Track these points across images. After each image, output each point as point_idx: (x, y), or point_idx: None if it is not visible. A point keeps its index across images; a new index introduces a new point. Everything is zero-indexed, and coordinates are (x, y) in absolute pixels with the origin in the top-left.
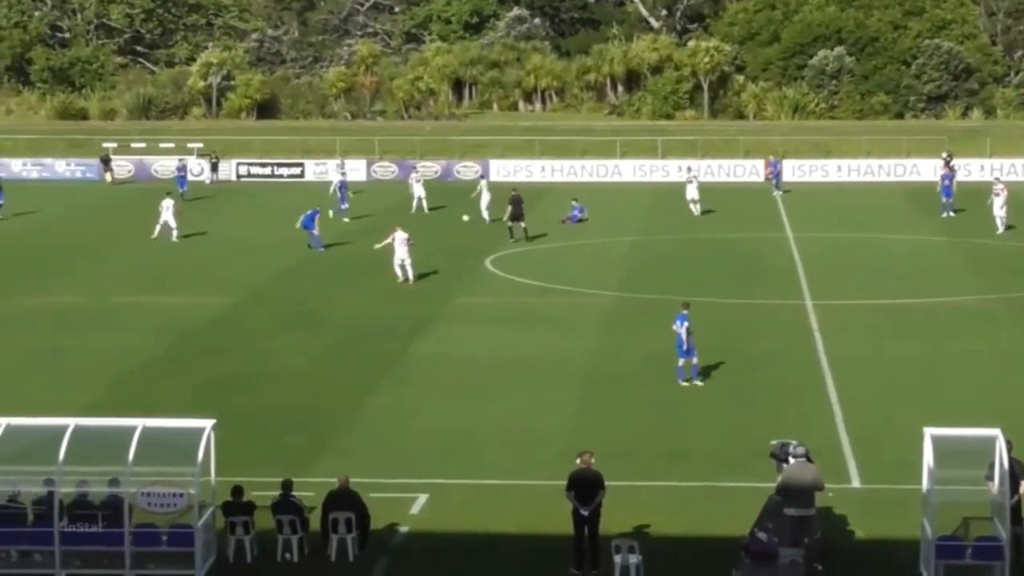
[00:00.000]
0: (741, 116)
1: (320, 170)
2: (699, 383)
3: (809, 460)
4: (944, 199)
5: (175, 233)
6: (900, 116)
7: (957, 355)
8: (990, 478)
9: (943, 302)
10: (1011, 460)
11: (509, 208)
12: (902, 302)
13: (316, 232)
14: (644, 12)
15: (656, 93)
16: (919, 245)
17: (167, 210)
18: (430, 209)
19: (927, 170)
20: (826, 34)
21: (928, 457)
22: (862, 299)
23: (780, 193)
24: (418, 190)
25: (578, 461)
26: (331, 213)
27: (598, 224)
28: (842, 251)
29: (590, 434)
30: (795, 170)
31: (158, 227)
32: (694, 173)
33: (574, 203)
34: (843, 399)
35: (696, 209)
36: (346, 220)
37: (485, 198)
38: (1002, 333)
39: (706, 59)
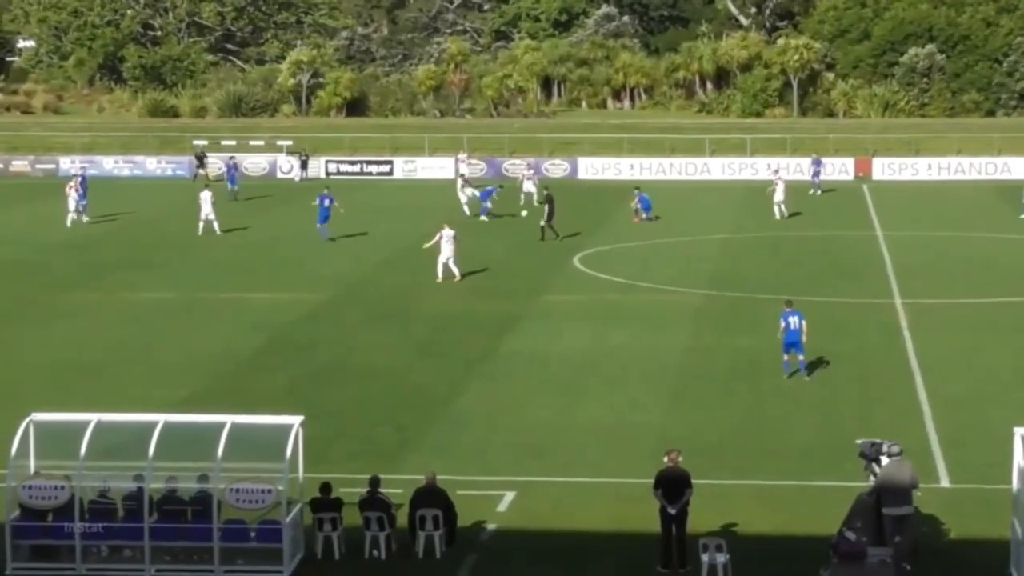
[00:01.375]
0: (831, 114)
1: (409, 168)
2: (806, 377)
3: (904, 458)
4: None
5: (216, 226)
6: (991, 114)
7: None
8: None
9: None
10: None
11: (546, 207)
12: (993, 301)
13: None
14: (733, 9)
15: (745, 91)
16: (1010, 243)
17: (206, 203)
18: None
19: (1018, 168)
20: (917, 31)
21: (1019, 457)
22: (952, 298)
23: (819, 193)
24: (528, 186)
25: (666, 459)
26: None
27: (687, 222)
28: (932, 250)
29: (679, 432)
30: (884, 168)
31: (201, 223)
32: (781, 175)
33: (637, 192)
34: (932, 398)
35: (782, 211)
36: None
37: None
38: None
39: (795, 57)
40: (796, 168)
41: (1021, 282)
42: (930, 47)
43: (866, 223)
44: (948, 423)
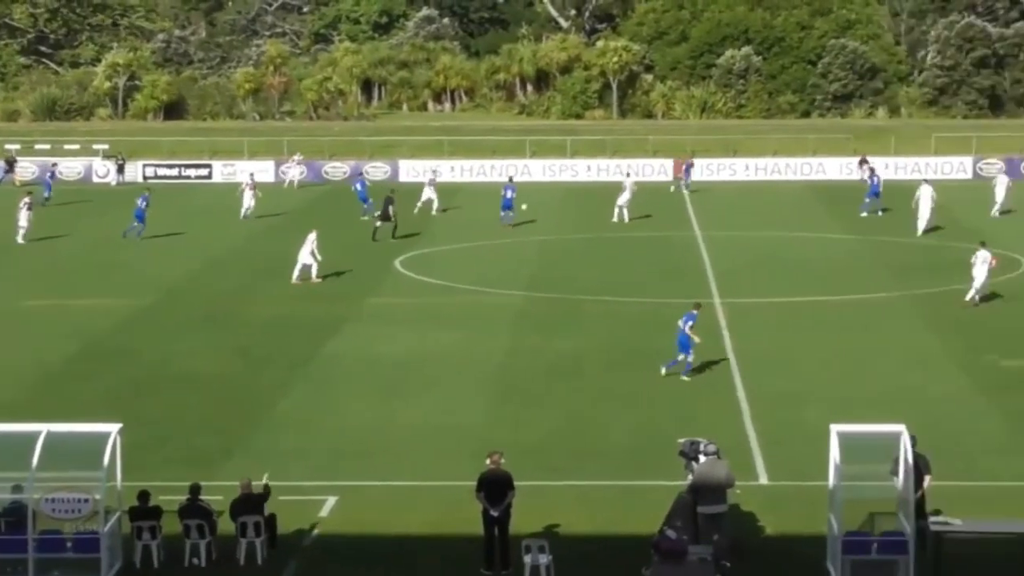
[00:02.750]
0: (650, 115)
1: (228, 171)
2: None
3: (719, 457)
4: (869, 198)
5: (22, 233)
6: (807, 115)
7: (864, 352)
8: (895, 473)
9: (851, 299)
10: (915, 455)
11: (384, 207)
12: (810, 299)
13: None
14: (553, 12)
15: (565, 93)
16: (827, 243)
17: (23, 209)
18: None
19: (833, 168)
20: (734, 34)
21: (834, 454)
22: (770, 297)
23: (687, 192)
24: (429, 192)
25: (488, 461)
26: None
27: (501, 224)
28: (750, 249)
29: (501, 434)
30: (703, 169)
31: (21, 230)
32: (632, 178)
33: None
34: (751, 396)
35: (622, 215)
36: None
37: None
38: (909, 330)
39: (615, 59)
40: (615, 169)
41: (836, 281)
42: (746, 49)
43: (685, 224)
44: (767, 421)
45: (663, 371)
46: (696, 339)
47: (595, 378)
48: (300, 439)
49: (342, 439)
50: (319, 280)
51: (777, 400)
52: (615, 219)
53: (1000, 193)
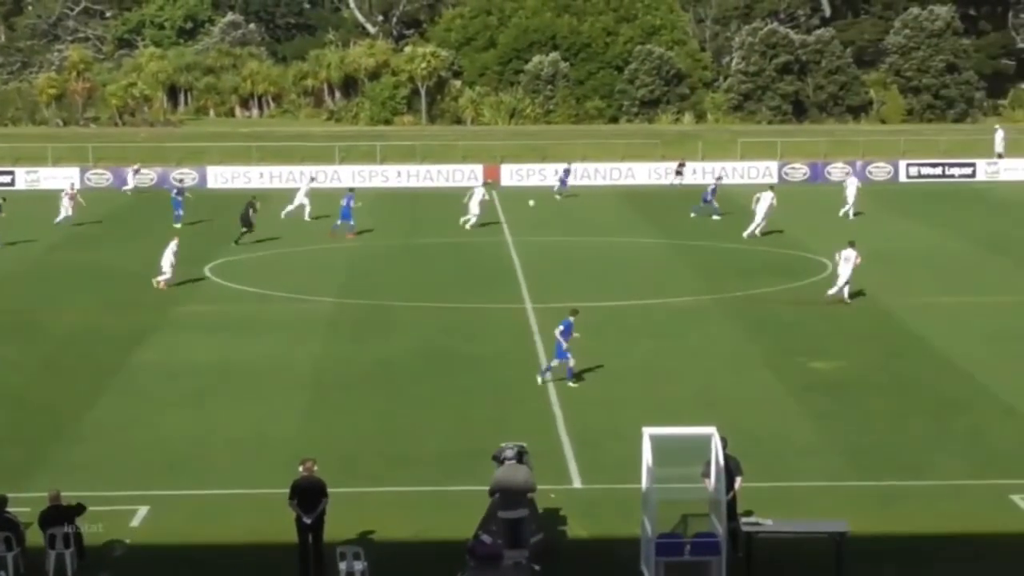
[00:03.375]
0: (459, 121)
1: (31, 178)
2: (572, 384)
3: (521, 462)
4: (704, 203)
5: None
6: (614, 120)
7: (676, 355)
8: (707, 475)
9: (662, 303)
10: (726, 457)
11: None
12: (622, 304)
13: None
14: (360, 18)
15: (374, 99)
16: (637, 247)
17: None
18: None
19: (642, 174)
20: (541, 40)
21: (647, 456)
22: (581, 301)
23: (559, 197)
24: (301, 198)
25: (301, 469)
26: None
27: (317, 230)
28: (561, 254)
29: (315, 441)
30: (512, 174)
31: None
32: (479, 183)
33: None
34: (564, 401)
35: (472, 221)
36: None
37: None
38: (719, 333)
39: (423, 64)
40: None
41: (645, 285)
42: (554, 55)
43: (496, 229)
44: (580, 424)
45: (539, 380)
46: (564, 344)
47: (408, 384)
48: (108, 450)
49: (152, 449)
50: (164, 287)
51: (590, 404)
52: (465, 223)
53: (851, 195)
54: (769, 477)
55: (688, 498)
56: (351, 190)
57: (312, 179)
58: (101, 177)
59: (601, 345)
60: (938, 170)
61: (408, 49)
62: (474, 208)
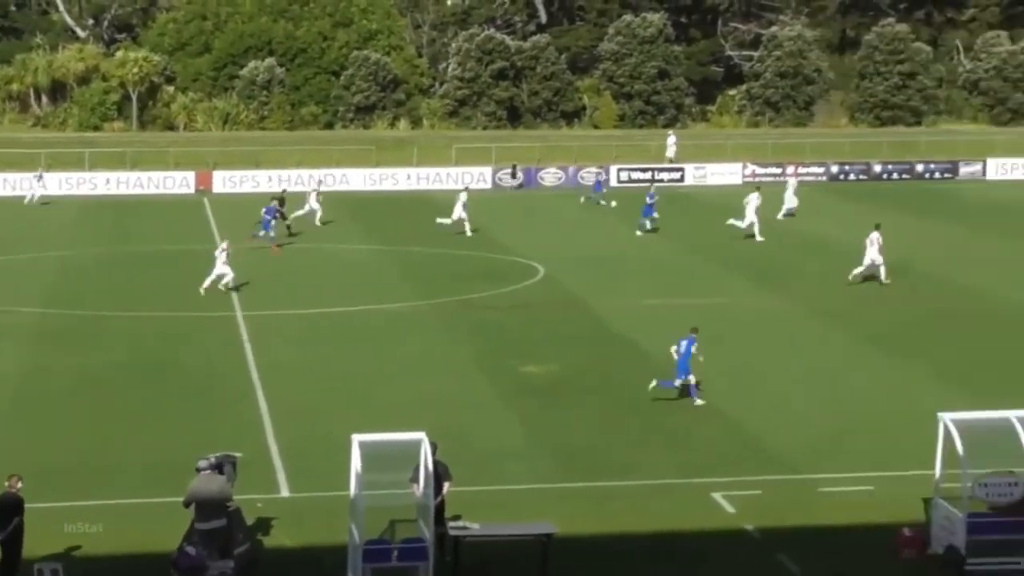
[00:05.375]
0: (171, 127)
1: None
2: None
3: (222, 472)
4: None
5: None
6: (330, 126)
7: (387, 361)
8: (415, 480)
9: (373, 309)
10: (435, 462)
11: None
12: (333, 311)
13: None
14: (70, 21)
15: (83, 104)
16: (352, 253)
17: None
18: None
19: (357, 179)
20: (257, 45)
21: (356, 463)
22: (292, 309)
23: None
24: (313, 203)
25: (7, 484)
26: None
27: (26, 238)
28: (274, 261)
29: (16, 455)
30: (226, 181)
31: None
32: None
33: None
34: (274, 409)
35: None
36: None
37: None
38: (432, 338)
39: (135, 70)
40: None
41: (359, 291)
42: (270, 60)
43: (208, 236)
44: (290, 433)
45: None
46: (700, 358)
47: (115, 395)
48: None
49: None
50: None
51: (300, 412)
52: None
53: (789, 196)
54: (479, 481)
55: (396, 504)
56: (275, 198)
57: (319, 183)
58: None
59: (312, 352)
60: (648, 175)
61: (120, 54)
62: (459, 213)
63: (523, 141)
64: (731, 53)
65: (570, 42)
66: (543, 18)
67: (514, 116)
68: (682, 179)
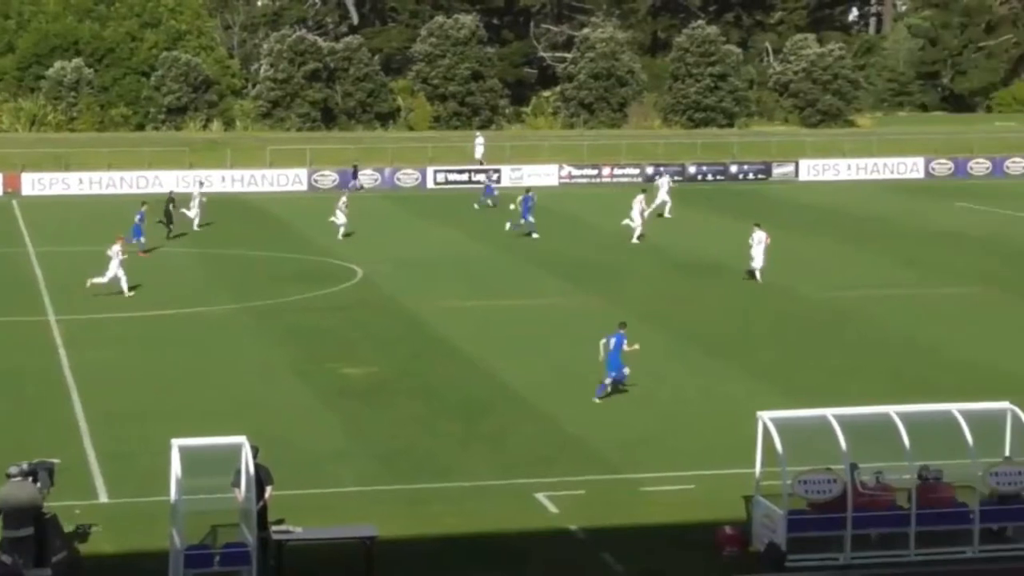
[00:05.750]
0: None
1: None
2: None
3: (36, 480)
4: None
5: None
6: (141, 128)
7: (207, 365)
8: (237, 484)
9: (192, 312)
10: (257, 466)
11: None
12: (149, 314)
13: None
14: None
15: None
16: (168, 256)
17: None
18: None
19: (169, 181)
20: (63, 45)
21: (175, 468)
22: (108, 313)
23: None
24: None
25: None
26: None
27: None
28: (86, 265)
29: None
30: (34, 183)
31: None
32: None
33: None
34: (90, 414)
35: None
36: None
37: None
38: (250, 341)
39: None
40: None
41: (175, 295)
42: (77, 61)
43: (17, 240)
44: (107, 438)
45: (597, 399)
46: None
47: None
48: None
49: None
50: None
51: (118, 417)
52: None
53: (663, 195)
54: (302, 484)
55: (218, 509)
56: (143, 203)
57: (201, 184)
58: None
59: (129, 357)
60: (464, 176)
61: None
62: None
63: (338, 143)
64: (544, 55)
65: (383, 43)
66: (355, 19)
67: (328, 117)
68: (498, 180)
